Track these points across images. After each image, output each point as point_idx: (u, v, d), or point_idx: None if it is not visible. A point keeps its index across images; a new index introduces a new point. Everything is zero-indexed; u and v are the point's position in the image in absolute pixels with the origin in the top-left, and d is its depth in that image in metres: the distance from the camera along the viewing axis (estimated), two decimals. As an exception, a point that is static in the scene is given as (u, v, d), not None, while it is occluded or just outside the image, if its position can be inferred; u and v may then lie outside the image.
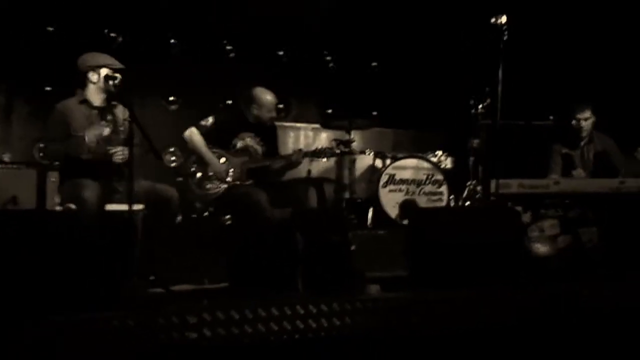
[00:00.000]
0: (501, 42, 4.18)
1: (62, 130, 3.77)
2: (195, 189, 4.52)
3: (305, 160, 4.82)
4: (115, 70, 3.81)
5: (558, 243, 3.89)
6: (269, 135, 4.76)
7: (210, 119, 4.57)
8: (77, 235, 3.01)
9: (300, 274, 3.21)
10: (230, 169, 4.52)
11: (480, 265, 3.41)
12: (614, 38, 5.82)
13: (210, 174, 4.50)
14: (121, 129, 3.81)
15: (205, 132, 4.52)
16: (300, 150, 4.69)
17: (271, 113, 4.66)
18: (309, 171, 4.73)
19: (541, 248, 3.89)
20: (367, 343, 2.88)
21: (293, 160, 4.61)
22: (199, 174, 4.51)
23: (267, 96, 4.63)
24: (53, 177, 4.93)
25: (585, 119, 5.02)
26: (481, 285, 3.30)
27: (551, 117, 5.40)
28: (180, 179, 4.66)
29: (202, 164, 4.51)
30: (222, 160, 4.54)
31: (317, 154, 4.70)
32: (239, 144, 4.62)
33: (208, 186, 4.50)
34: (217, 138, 4.55)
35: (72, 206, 3.63)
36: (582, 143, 5.08)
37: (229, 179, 4.51)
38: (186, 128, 4.57)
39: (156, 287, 3.30)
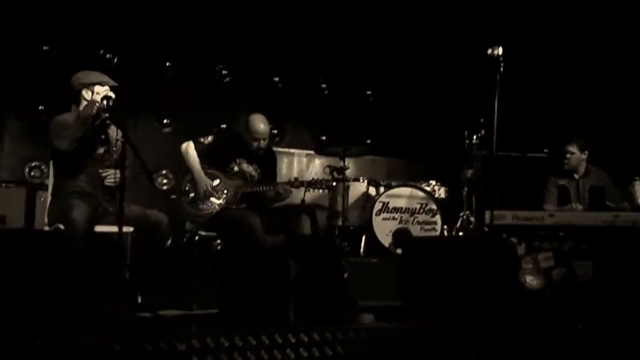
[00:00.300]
0: (497, 73, 4.19)
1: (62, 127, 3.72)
2: (187, 208, 4.48)
3: (301, 188, 4.78)
4: (109, 89, 3.79)
5: (553, 275, 3.86)
6: (267, 161, 4.74)
7: (210, 138, 4.55)
8: (65, 256, 2.94)
9: (293, 302, 3.15)
10: (224, 190, 4.48)
11: (474, 295, 3.37)
12: (611, 72, 5.86)
13: (201, 191, 4.46)
14: (114, 149, 3.77)
15: (202, 150, 4.50)
16: (289, 182, 4.60)
17: (258, 142, 4.57)
18: (303, 200, 4.70)
19: (535, 280, 3.86)
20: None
21: (281, 192, 4.54)
22: (192, 194, 4.47)
23: (260, 124, 4.57)
24: (42, 197, 4.88)
25: (571, 153, 5.06)
26: (475, 316, 3.25)
27: (545, 150, 5.41)
28: (173, 196, 4.62)
29: (196, 182, 4.48)
30: (217, 182, 4.51)
31: (311, 184, 4.65)
32: (235, 168, 4.59)
33: (201, 206, 4.46)
34: (214, 159, 4.53)
35: (61, 226, 3.57)
36: (578, 176, 5.10)
37: (221, 201, 4.46)
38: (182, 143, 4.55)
39: (144, 312, 3.23)
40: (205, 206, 4.46)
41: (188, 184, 4.50)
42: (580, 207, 4.94)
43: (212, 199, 4.46)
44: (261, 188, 4.54)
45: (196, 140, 4.52)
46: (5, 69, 5.53)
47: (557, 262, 3.89)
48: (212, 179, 4.50)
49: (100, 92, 3.76)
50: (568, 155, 5.07)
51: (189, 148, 4.50)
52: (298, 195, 4.70)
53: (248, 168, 4.61)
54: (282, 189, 4.53)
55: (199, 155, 4.49)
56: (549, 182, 5.13)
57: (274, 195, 4.57)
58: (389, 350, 2.91)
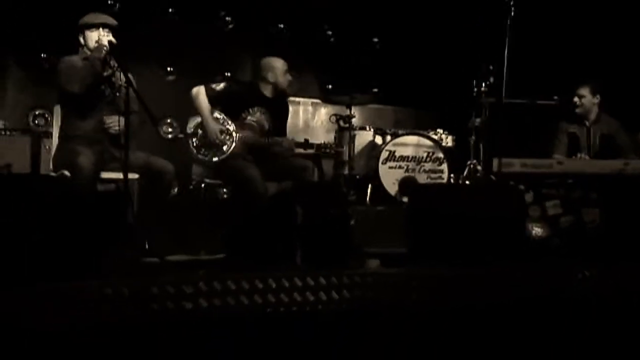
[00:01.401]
0: (508, 18, 4.08)
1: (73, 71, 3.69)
2: (193, 152, 4.43)
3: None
4: (112, 30, 3.74)
5: (560, 223, 3.84)
6: (280, 113, 4.67)
7: (222, 85, 4.47)
8: (71, 202, 2.93)
9: (299, 247, 3.15)
10: (232, 138, 4.43)
11: (480, 242, 3.36)
12: (624, 16, 5.72)
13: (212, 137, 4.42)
14: (118, 94, 3.73)
15: (213, 96, 4.42)
16: (293, 139, 4.60)
17: (287, 76, 4.56)
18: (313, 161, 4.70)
19: (542, 228, 3.85)
20: (366, 317, 2.84)
21: (285, 147, 4.51)
22: (199, 135, 4.42)
23: (277, 62, 4.55)
24: (47, 145, 4.87)
25: (582, 96, 4.96)
26: (481, 263, 3.25)
27: (555, 97, 5.32)
28: (181, 135, 4.57)
29: (202, 127, 4.43)
30: (226, 128, 4.45)
31: (320, 148, 4.65)
32: (248, 118, 4.51)
33: (206, 152, 4.42)
34: (226, 107, 4.46)
35: (67, 173, 3.56)
36: (589, 123, 5.02)
37: (227, 146, 4.42)
38: (193, 87, 4.47)
39: (151, 257, 3.24)
40: (210, 152, 4.41)
41: (199, 128, 4.45)
42: (586, 157, 4.88)
43: (223, 147, 4.42)
44: (267, 141, 4.50)
45: (207, 86, 4.44)
46: (6, 17, 5.45)
47: (565, 210, 3.86)
48: (223, 126, 4.44)
49: (104, 36, 3.70)
50: (579, 99, 4.98)
51: (200, 93, 4.40)
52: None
53: (261, 117, 4.55)
54: (287, 143, 4.50)
55: (210, 101, 4.41)
56: (558, 130, 5.04)
57: (279, 151, 4.53)
58: (394, 296, 2.91)
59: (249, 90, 4.59)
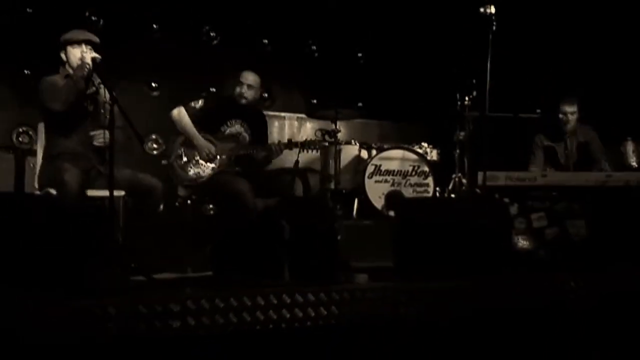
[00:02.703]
0: (490, 32, 4.13)
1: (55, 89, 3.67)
2: (180, 173, 4.44)
3: (294, 151, 4.76)
4: (95, 47, 3.72)
5: (545, 235, 3.87)
6: (257, 124, 4.71)
7: (200, 102, 4.51)
8: (56, 220, 2.91)
9: (286, 262, 3.15)
10: (217, 154, 4.45)
11: (467, 256, 3.37)
12: (602, 30, 5.81)
13: (197, 158, 4.43)
14: (102, 111, 3.72)
15: (193, 114, 4.46)
16: (279, 142, 4.61)
17: (254, 91, 4.60)
18: (297, 162, 4.67)
19: (528, 240, 3.87)
20: (354, 333, 2.83)
21: (273, 151, 4.53)
22: (184, 158, 4.44)
23: (250, 75, 4.60)
24: (32, 163, 4.82)
25: (572, 113, 5.05)
26: (468, 276, 3.27)
27: (538, 110, 5.39)
28: (165, 161, 4.58)
29: (189, 146, 4.44)
30: (212, 147, 4.47)
31: (305, 145, 4.65)
32: (228, 131, 4.56)
33: (192, 171, 4.42)
34: (205, 123, 4.49)
35: (52, 191, 3.53)
36: (567, 135, 5.10)
37: (214, 165, 4.43)
38: (172, 109, 4.50)
39: (138, 275, 3.22)
40: (197, 170, 4.42)
41: (182, 148, 4.46)
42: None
43: (208, 164, 4.43)
44: (253, 150, 4.52)
45: (187, 105, 4.48)
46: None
47: (550, 222, 3.90)
48: (210, 142, 4.46)
49: (87, 52, 3.69)
50: (570, 117, 5.05)
51: (181, 113, 4.45)
52: (290, 159, 4.68)
53: (239, 129, 4.58)
54: (274, 147, 4.50)
55: (190, 119, 4.45)
56: (534, 144, 5.14)
57: (266, 154, 4.55)
58: (383, 310, 2.92)
59: (226, 104, 4.63)
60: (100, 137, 3.68)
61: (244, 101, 4.59)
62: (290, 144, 4.59)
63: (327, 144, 4.92)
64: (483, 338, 3.08)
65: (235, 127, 4.58)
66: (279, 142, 4.61)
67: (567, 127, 5.07)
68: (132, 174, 3.79)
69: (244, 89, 4.57)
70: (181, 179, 4.46)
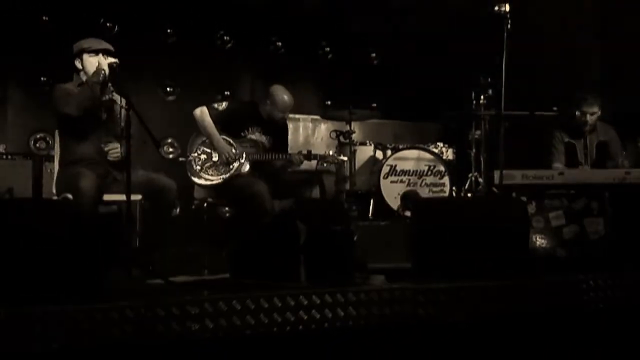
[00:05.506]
0: (504, 31, 4.10)
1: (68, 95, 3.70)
2: (196, 170, 4.44)
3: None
4: (112, 56, 3.75)
5: (564, 234, 3.83)
6: (279, 133, 4.73)
7: (224, 104, 4.53)
8: (74, 225, 2.93)
9: (303, 264, 3.14)
10: (237, 157, 4.45)
11: (484, 255, 3.35)
12: (620, 26, 5.75)
13: (215, 159, 4.44)
14: (118, 117, 3.74)
15: (215, 116, 4.46)
16: (300, 152, 4.64)
17: (283, 113, 4.63)
18: (316, 169, 4.72)
19: (546, 239, 3.84)
20: (372, 334, 2.82)
21: (294, 162, 4.57)
22: (203, 157, 4.45)
23: (283, 96, 4.58)
24: (49, 168, 4.87)
25: (592, 114, 4.97)
26: (486, 276, 3.24)
27: (555, 108, 5.33)
28: (182, 159, 4.60)
29: (208, 147, 4.45)
30: (232, 149, 4.49)
31: (323, 158, 4.68)
32: (249, 136, 4.58)
33: (210, 172, 4.44)
34: (227, 125, 4.50)
35: (69, 196, 3.56)
36: (587, 133, 5.03)
37: (235, 165, 4.45)
38: (195, 107, 4.51)
39: (155, 279, 3.23)
40: (215, 172, 4.44)
41: (201, 148, 4.47)
42: (588, 168, 4.89)
43: (227, 166, 4.44)
44: (273, 157, 4.53)
45: (210, 106, 4.48)
46: (6, 41, 5.48)
47: (568, 220, 3.86)
48: (231, 145, 4.49)
49: (103, 60, 3.72)
50: (589, 117, 4.97)
51: (204, 114, 4.46)
52: (306, 163, 4.69)
53: (260, 137, 4.59)
54: (294, 159, 4.54)
55: (212, 120, 4.45)
56: (554, 139, 5.05)
57: (285, 163, 4.56)
58: (400, 311, 2.91)
59: (249, 110, 4.64)
60: (116, 152, 3.71)
61: (281, 122, 4.65)
62: (310, 156, 4.62)
63: (344, 159, 4.95)
64: (502, 339, 3.05)
65: (256, 135, 4.59)
66: (300, 152, 4.63)
67: (586, 127, 5.00)
68: (146, 174, 3.82)
69: (276, 114, 4.58)
70: (198, 176, 4.46)
